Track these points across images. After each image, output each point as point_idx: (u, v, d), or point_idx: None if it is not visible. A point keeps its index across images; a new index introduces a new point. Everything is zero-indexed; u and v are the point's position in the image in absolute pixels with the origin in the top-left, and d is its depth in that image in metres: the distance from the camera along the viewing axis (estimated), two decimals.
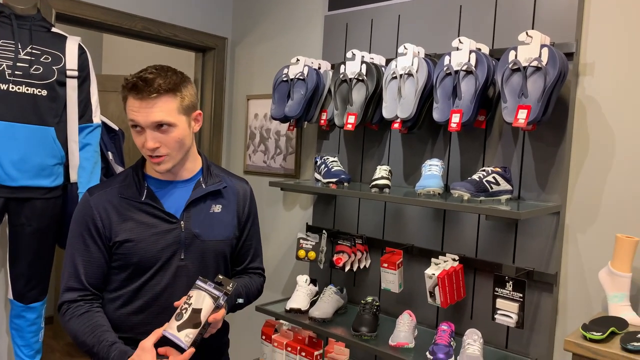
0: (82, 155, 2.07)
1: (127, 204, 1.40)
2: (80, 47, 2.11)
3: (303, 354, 2.28)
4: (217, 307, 1.31)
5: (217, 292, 1.31)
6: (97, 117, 2.15)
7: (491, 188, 1.83)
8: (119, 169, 2.31)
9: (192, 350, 1.27)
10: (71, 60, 2.06)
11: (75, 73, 2.07)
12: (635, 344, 1.40)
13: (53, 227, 2.06)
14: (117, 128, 2.36)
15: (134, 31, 2.75)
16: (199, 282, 1.33)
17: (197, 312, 1.28)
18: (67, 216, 2.04)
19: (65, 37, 2.10)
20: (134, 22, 2.71)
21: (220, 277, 1.35)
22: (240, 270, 1.64)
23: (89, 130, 2.11)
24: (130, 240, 1.38)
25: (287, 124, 2.48)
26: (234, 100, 3.22)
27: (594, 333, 1.47)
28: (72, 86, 2.05)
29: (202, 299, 1.30)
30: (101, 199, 1.40)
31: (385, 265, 2.17)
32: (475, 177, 1.85)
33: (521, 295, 1.80)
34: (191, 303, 1.30)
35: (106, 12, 2.58)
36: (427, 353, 1.90)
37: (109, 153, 2.25)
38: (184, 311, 1.29)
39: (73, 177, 2.08)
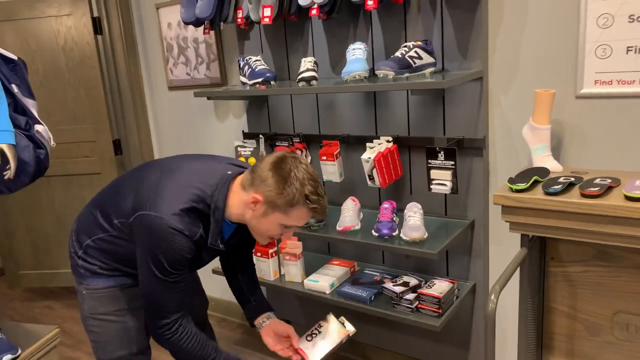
0: None
1: (207, 246, 1.49)
2: None
3: (259, 254, 2.35)
4: (340, 344, 1.64)
5: (344, 336, 1.64)
6: None
7: (414, 63, 1.83)
8: (29, 102, 2.13)
9: None
10: None
11: None
12: (555, 187, 1.52)
13: None
14: (16, 57, 2.15)
15: None
16: (331, 317, 1.68)
17: (326, 341, 1.63)
18: None
19: None
20: None
21: (344, 320, 1.67)
22: (246, 254, 1.82)
23: None
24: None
25: (202, 27, 2.34)
26: (143, 12, 2.98)
27: (519, 184, 1.57)
28: None
29: (334, 333, 1.64)
30: (196, 240, 1.43)
31: (324, 157, 2.19)
32: (397, 54, 1.84)
33: (453, 163, 1.88)
34: (321, 331, 1.65)
35: None
36: (373, 231, 1.99)
37: (13, 86, 2.06)
38: (314, 335, 1.64)
39: None
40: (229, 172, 1.48)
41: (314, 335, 1.63)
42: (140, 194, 1.46)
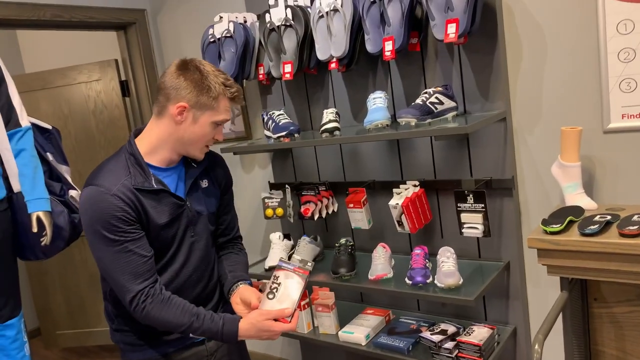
0: (19, 162, 1.97)
1: (141, 194, 1.39)
2: None
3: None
4: (305, 285, 1.43)
5: (303, 274, 1.42)
6: (24, 120, 2.03)
7: (436, 109, 1.84)
8: (62, 168, 2.21)
9: (294, 323, 1.40)
10: None
11: None
12: (592, 227, 1.47)
13: (8, 241, 1.98)
14: (50, 127, 2.25)
15: (43, 21, 2.58)
16: (283, 264, 1.44)
17: (289, 290, 1.41)
18: (19, 226, 1.96)
19: None
20: (41, 12, 2.53)
21: (298, 257, 1.47)
22: (228, 240, 1.69)
23: (19, 135, 2.00)
24: (156, 225, 1.41)
25: None
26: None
27: (553, 226, 1.54)
28: None
29: (291, 278, 1.42)
30: (120, 190, 1.35)
31: (351, 205, 2.19)
32: (418, 101, 1.85)
33: (483, 205, 1.85)
34: (280, 283, 1.42)
35: (7, 7, 2.40)
36: (406, 279, 1.96)
37: (48, 154, 2.15)
38: (274, 290, 1.42)
39: (15, 186, 1.98)
40: (131, 135, 1.48)
41: (274, 291, 1.43)
42: None
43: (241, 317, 1.40)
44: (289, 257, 2.37)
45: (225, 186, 1.65)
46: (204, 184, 1.55)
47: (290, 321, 1.39)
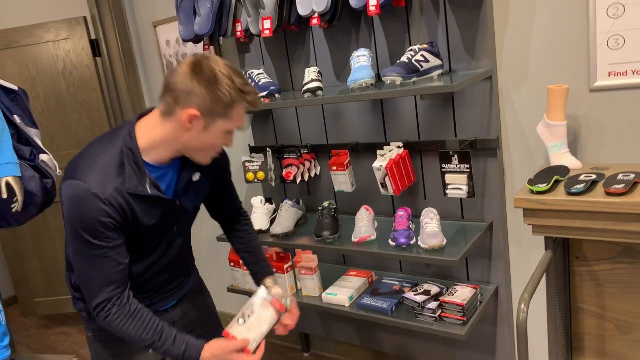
0: None
1: (133, 199, 1.30)
2: None
3: (274, 270, 2.30)
4: (278, 321, 1.43)
5: (279, 309, 1.42)
6: None
7: (422, 67, 1.78)
8: (32, 131, 2.11)
9: (259, 356, 1.37)
10: None
11: None
12: (578, 186, 1.46)
13: None
14: (16, 88, 2.13)
15: None
16: (263, 294, 1.42)
17: (261, 321, 1.40)
18: None
19: None
20: None
21: (279, 291, 1.47)
22: (234, 217, 1.67)
23: None
24: (143, 226, 1.34)
25: (202, 43, 2.30)
26: (140, 31, 2.96)
27: (540, 185, 1.52)
28: None
29: (266, 310, 1.41)
30: (112, 195, 1.26)
31: (335, 168, 2.15)
32: (404, 59, 1.79)
33: (468, 166, 1.83)
34: (255, 312, 1.40)
35: None
36: (390, 240, 1.94)
37: (15, 117, 2.04)
38: (247, 317, 1.40)
39: None
40: (132, 121, 1.36)
41: (247, 318, 1.41)
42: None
43: (205, 343, 1.34)
44: (271, 222, 2.34)
45: (223, 171, 1.56)
46: (196, 177, 1.44)
47: (255, 354, 1.36)
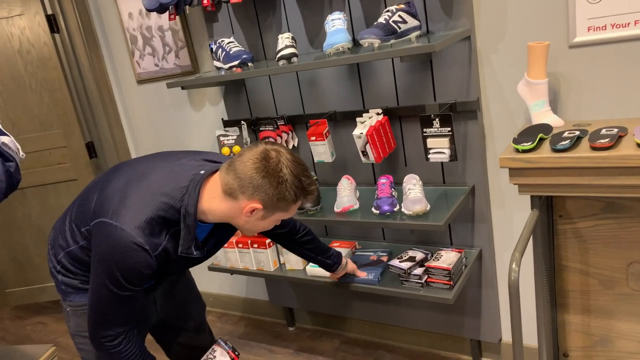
0: None
1: (175, 254, 1.35)
2: None
3: (255, 245, 2.26)
4: None
5: (234, 359, 1.69)
6: None
7: (399, 28, 1.73)
8: (1, 139, 1.98)
9: None
10: None
11: None
12: (563, 142, 1.45)
13: None
14: None
15: None
16: (222, 343, 1.70)
17: None
18: None
19: None
20: None
21: (230, 345, 1.71)
22: (293, 236, 1.80)
23: None
24: (169, 270, 1.45)
25: (167, 13, 2.19)
26: (100, 4, 2.80)
27: (524, 144, 1.50)
28: None
29: (224, 357, 1.67)
30: (160, 254, 1.31)
31: (313, 138, 2.10)
32: (381, 20, 1.73)
33: (449, 129, 1.80)
34: (216, 357, 1.66)
35: None
36: (373, 209, 1.91)
37: None
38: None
39: None
40: (202, 172, 1.35)
41: None
42: (104, 198, 1.34)
43: None
44: None
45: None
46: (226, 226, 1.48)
47: None
